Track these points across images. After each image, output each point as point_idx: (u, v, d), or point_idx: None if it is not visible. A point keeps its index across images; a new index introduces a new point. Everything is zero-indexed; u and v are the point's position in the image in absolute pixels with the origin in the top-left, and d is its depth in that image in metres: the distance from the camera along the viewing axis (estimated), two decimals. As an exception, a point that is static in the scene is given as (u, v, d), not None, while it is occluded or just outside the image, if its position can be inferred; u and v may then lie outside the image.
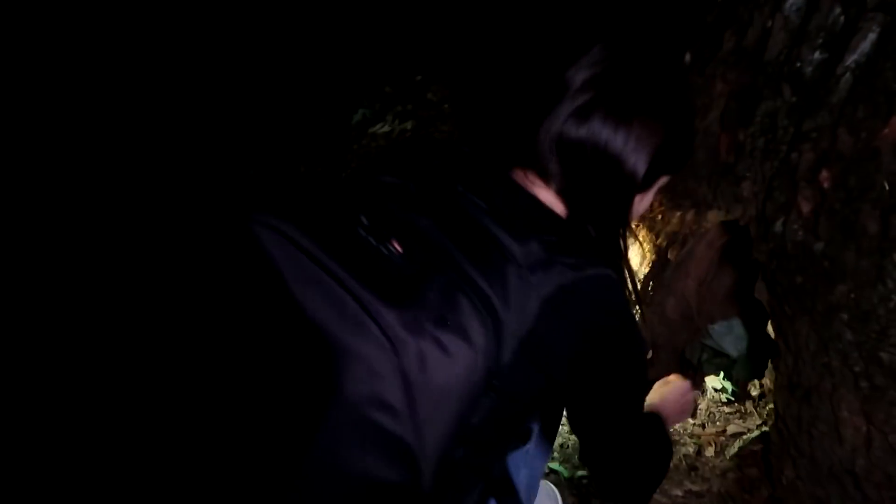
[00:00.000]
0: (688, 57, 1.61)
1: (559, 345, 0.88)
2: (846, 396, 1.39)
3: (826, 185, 1.36)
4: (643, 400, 1.10)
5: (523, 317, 0.84)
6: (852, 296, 1.33)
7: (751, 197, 1.52)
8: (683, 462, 1.86)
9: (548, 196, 0.96)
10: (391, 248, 0.82)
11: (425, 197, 0.90)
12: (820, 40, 1.34)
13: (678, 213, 1.67)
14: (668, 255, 1.73)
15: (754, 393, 1.94)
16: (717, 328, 2.03)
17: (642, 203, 1.03)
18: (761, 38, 1.44)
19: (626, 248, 1.01)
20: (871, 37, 1.26)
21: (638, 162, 0.92)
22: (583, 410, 1.01)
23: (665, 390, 1.34)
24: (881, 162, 1.28)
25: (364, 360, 0.78)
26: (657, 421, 1.18)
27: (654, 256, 1.75)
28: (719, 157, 1.57)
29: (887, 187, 1.27)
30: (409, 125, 3.63)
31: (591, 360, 0.92)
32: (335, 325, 0.79)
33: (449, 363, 0.79)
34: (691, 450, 1.89)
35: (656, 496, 1.75)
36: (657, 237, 1.72)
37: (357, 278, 0.78)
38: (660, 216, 1.69)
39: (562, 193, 0.95)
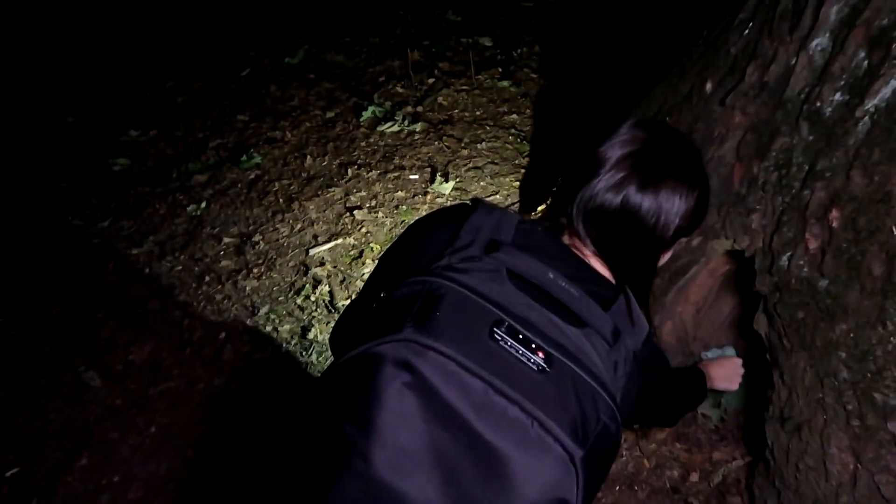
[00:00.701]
0: (709, 86, 1.64)
1: (631, 397, 1.01)
2: (837, 433, 1.41)
3: (835, 224, 1.39)
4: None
5: (619, 381, 0.95)
6: (852, 335, 1.36)
7: (759, 229, 1.55)
8: (667, 484, 1.88)
9: (593, 261, 1.08)
10: (537, 358, 0.88)
11: (525, 287, 0.96)
12: (842, 82, 1.36)
13: (684, 239, 1.69)
14: (670, 279, 1.75)
15: (743, 421, 1.96)
16: (709, 354, 2.05)
17: (664, 259, 1.15)
18: (784, 75, 1.46)
19: (650, 302, 1.13)
20: (893, 83, 1.29)
21: (666, 225, 1.04)
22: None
23: (721, 362, 1.68)
24: (892, 206, 1.31)
25: (547, 474, 0.85)
26: (700, 377, 1.49)
27: (657, 280, 1.77)
28: (731, 187, 1.59)
29: (895, 232, 1.30)
30: (417, 127, 3.64)
31: (647, 396, 1.08)
32: (515, 446, 0.85)
33: (605, 461, 0.91)
34: (676, 473, 1.91)
35: (639, 516, 1.76)
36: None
37: (526, 397, 0.85)
38: (667, 240, 1.71)
39: (604, 258, 1.07)
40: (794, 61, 1.44)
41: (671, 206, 1.02)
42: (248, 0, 5.20)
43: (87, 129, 3.83)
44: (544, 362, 0.87)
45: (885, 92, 1.30)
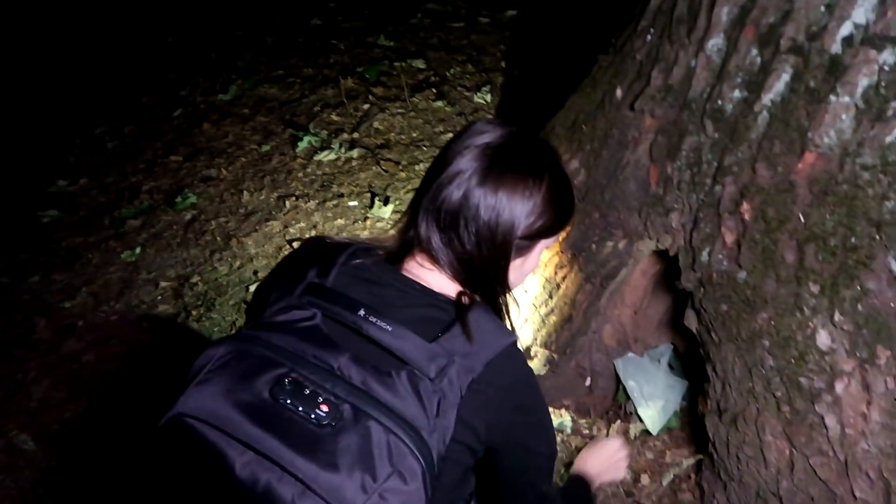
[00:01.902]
0: (619, 92, 1.67)
1: (481, 420, 0.97)
2: (769, 420, 1.43)
3: (747, 216, 1.42)
4: (553, 462, 1.16)
5: (445, 421, 0.91)
6: (773, 323, 1.39)
7: (679, 227, 1.58)
8: (620, 489, 1.88)
9: (439, 279, 1.03)
10: (319, 412, 0.86)
11: (335, 330, 0.95)
12: (739, 79, 1.40)
13: (610, 243, 1.71)
14: (602, 284, 1.77)
15: (690, 419, 1.98)
16: (651, 353, 2.07)
17: (525, 266, 1.08)
18: (686, 76, 1.50)
19: (509, 312, 1.08)
20: (785, 77, 1.34)
21: (510, 224, 0.99)
22: (501, 473, 1.08)
23: (594, 451, 1.48)
24: (797, 195, 1.35)
25: None
26: (580, 486, 1.33)
27: (588, 285, 1.78)
28: (649, 189, 1.62)
29: (802, 219, 1.34)
30: (355, 153, 3.64)
31: (506, 420, 1.01)
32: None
33: None
34: (628, 476, 1.91)
35: (593, 523, 1.76)
36: (591, 267, 1.76)
37: (300, 454, 0.83)
38: (593, 245, 1.73)
39: (450, 268, 1.02)
40: (693, 63, 1.48)
41: (513, 203, 0.97)
42: (175, 39, 5.15)
43: (13, 182, 3.72)
44: (327, 416, 0.85)
45: (779, 86, 1.34)
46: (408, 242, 1.05)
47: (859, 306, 1.28)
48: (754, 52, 1.38)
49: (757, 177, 1.39)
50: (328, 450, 0.84)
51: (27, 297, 2.89)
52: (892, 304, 1.25)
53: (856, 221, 1.28)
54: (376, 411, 0.87)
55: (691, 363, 2.00)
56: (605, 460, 1.46)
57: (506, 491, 1.10)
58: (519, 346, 1.03)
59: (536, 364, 1.94)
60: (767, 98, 1.36)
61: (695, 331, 1.61)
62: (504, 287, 1.07)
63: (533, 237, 1.03)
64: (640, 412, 1.96)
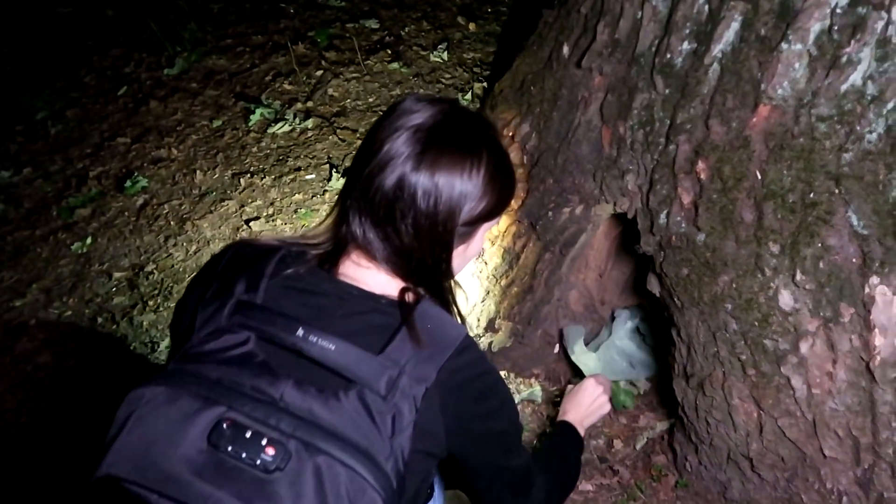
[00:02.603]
0: (566, 49, 1.58)
1: (439, 424, 0.91)
2: (736, 384, 1.40)
3: (703, 176, 1.35)
4: (519, 435, 1.10)
5: (402, 439, 0.85)
6: (734, 286, 1.33)
7: (635, 189, 1.51)
8: (594, 455, 1.85)
9: (378, 278, 0.95)
10: (265, 456, 0.79)
11: (272, 354, 0.87)
12: (687, 30, 1.32)
13: (567, 210, 1.64)
14: (562, 251, 1.71)
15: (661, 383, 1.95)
16: (617, 315, 2.02)
17: (468, 251, 1.01)
18: (633, 30, 1.42)
19: (456, 301, 1.01)
20: (735, 26, 1.25)
21: (451, 208, 0.91)
22: (469, 464, 1.02)
23: (573, 397, 1.38)
24: (753, 151, 1.28)
25: None
26: (567, 432, 1.26)
27: (547, 253, 1.72)
28: (603, 151, 1.55)
29: (759, 176, 1.27)
30: (310, 123, 3.51)
31: (466, 415, 0.95)
32: None
33: None
34: (602, 442, 1.89)
35: (567, 493, 1.73)
36: (550, 234, 1.69)
37: None
38: (549, 213, 1.66)
39: (389, 263, 0.94)
40: (639, 14, 1.39)
41: (452, 186, 0.89)
42: (116, 12, 4.90)
43: (-47, 178, 3.55)
44: (275, 459, 0.78)
45: (729, 35, 1.26)
46: (341, 240, 0.95)
47: (821, 264, 1.23)
48: (701, 0, 1.29)
49: (711, 133, 1.32)
50: (280, 496, 0.77)
51: (-26, 298, 2.78)
52: (853, 261, 1.20)
53: (814, 176, 1.22)
54: (327, 443, 0.80)
55: (659, 325, 1.96)
56: (587, 402, 1.36)
57: (478, 480, 1.05)
58: (469, 334, 0.97)
59: (501, 336, 1.89)
60: (717, 49, 1.28)
61: (658, 295, 1.56)
62: (448, 276, 0.99)
63: (475, 222, 0.95)
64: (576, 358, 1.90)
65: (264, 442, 0.79)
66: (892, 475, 1.28)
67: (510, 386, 1.98)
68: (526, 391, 1.97)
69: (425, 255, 0.94)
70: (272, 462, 0.78)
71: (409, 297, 0.94)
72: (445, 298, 1.00)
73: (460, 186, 0.91)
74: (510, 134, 1.71)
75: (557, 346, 2.02)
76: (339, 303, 0.93)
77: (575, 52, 1.54)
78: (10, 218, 3.20)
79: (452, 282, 1.02)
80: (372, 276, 0.95)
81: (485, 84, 3.55)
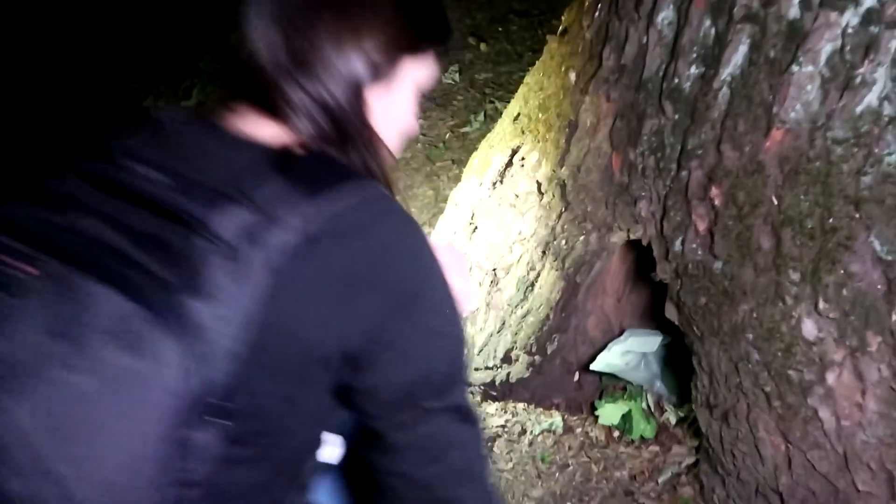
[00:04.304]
0: (572, 76, 1.55)
1: (317, 307, 0.65)
2: (762, 416, 1.35)
3: (717, 202, 1.31)
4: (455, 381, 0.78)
5: (243, 312, 0.62)
6: (755, 314, 1.29)
7: (649, 216, 1.47)
8: (618, 487, 1.80)
9: (270, 130, 0.72)
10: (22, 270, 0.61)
11: (94, 193, 0.67)
12: (694, 54, 1.29)
13: (581, 237, 1.61)
14: (577, 279, 1.67)
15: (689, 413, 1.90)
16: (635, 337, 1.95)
17: (392, 106, 0.78)
18: (639, 54, 1.38)
19: (392, 183, 0.77)
20: (743, 49, 1.22)
21: (355, 26, 0.72)
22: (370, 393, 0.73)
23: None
24: (767, 176, 1.24)
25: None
26: None
27: (562, 283, 1.69)
28: (614, 177, 1.51)
29: (775, 201, 1.23)
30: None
31: (367, 307, 0.68)
32: None
33: (111, 398, 0.59)
34: (625, 474, 1.83)
35: (592, 528, 1.69)
36: (564, 263, 1.66)
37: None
38: (563, 241, 1.63)
39: (285, 117, 0.72)
40: (645, 39, 1.36)
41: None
42: (131, 45, 4.99)
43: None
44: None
45: (737, 58, 1.23)
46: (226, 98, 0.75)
47: (844, 291, 1.18)
48: (707, 23, 1.26)
49: (723, 159, 1.28)
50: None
51: None
52: (878, 287, 1.16)
53: (832, 200, 1.17)
54: (128, 283, 0.60)
55: (681, 353, 1.91)
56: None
57: (382, 421, 0.74)
58: (388, 197, 0.72)
59: (519, 367, 1.85)
60: (726, 72, 1.24)
61: (677, 323, 1.52)
62: (374, 144, 0.75)
63: (390, 51, 0.74)
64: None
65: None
66: (930, 509, 1.22)
67: (529, 417, 1.95)
68: (546, 421, 1.93)
69: (336, 102, 0.72)
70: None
71: (315, 146, 0.72)
72: (375, 174, 0.74)
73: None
74: (520, 162, 1.69)
75: (577, 373, 1.98)
76: (205, 146, 0.71)
77: (581, 78, 1.51)
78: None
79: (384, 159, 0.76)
80: (264, 129, 0.72)
81: (496, 105, 3.54)
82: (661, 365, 1.96)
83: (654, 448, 1.87)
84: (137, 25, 5.12)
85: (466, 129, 3.43)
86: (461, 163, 3.17)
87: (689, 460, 1.78)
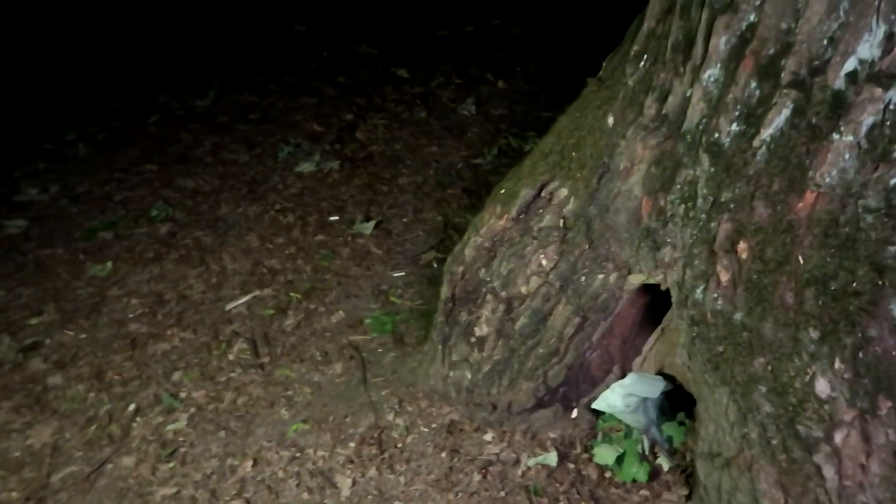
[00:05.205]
0: (610, 119, 1.61)
1: None
2: (765, 468, 1.38)
3: (744, 255, 1.36)
4: None
5: None
6: (770, 368, 1.33)
7: (671, 262, 1.52)
8: (607, 527, 1.82)
9: None
10: None
11: None
12: (737, 113, 1.35)
13: (601, 276, 1.65)
14: (592, 316, 1.70)
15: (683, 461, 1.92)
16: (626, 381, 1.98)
17: None
18: (681, 107, 1.44)
19: None
20: (785, 112, 1.28)
21: None
22: None
23: None
24: (797, 235, 1.29)
25: None
26: None
27: (576, 318, 1.72)
28: (641, 221, 1.56)
29: (802, 260, 1.28)
30: (335, 165, 3.56)
31: None
32: None
33: None
34: (615, 514, 1.85)
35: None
36: (580, 299, 1.69)
37: None
38: (582, 278, 1.67)
39: None
40: (689, 93, 1.42)
41: None
42: (152, 42, 5.02)
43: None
44: None
45: (779, 121, 1.29)
46: None
47: (860, 354, 1.23)
48: (753, 84, 1.32)
49: (755, 215, 1.33)
50: None
51: (-9, 313, 2.77)
52: (894, 353, 1.20)
53: (858, 266, 1.22)
54: None
55: (680, 397, 1.94)
56: None
57: None
58: None
59: (522, 397, 1.87)
60: (767, 133, 1.30)
61: (687, 369, 1.55)
62: None
63: None
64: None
65: None
66: (922, 577, 1.25)
67: (524, 448, 1.96)
68: (541, 454, 1.94)
69: None
70: None
71: None
72: None
73: None
74: (548, 197, 1.73)
75: (575, 410, 2.00)
76: None
77: (620, 122, 1.57)
78: (33, 236, 3.22)
79: None
80: None
81: (510, 140, 3.61)
82: (658, 413, 1.99)
83: (645, 493, 1.89)
84: (157, 25, 5.15)
85: (479, 160, 3.49)
86: (471, 193, 3.23)
87: (680, 506, 1.81)
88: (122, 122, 4.12)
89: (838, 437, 1.27)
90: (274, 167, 3.60)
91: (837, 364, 1.25)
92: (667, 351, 1.90)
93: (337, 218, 3.16)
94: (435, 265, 2.79)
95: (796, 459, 1.32)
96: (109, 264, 2.97)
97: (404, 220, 3.11)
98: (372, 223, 3.05)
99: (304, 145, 3.74)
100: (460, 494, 1.86)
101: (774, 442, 1.34)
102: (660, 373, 1.98)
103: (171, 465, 2.08)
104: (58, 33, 5.07)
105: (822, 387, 1.27)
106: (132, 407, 2.30)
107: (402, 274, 2.79)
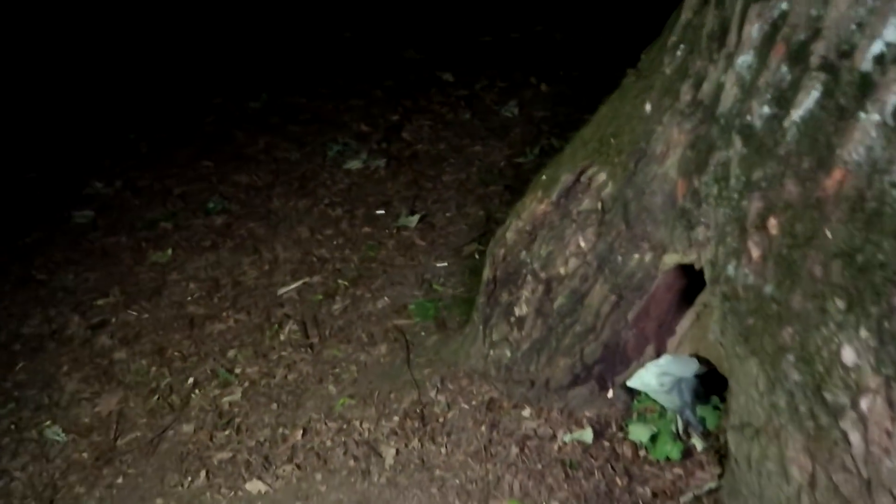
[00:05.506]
0: (648, 106, 1.69)
1: None
2: (793, 435, 1.44)
3: (774, 231, 1.43)
4: None
5: None
6: (798, 337, 1.39)
7: (705, 241, 1.59)
8: (641, 502, 1.88)
9: None
10: None
11: None
12: (768, 96, 1.42)
13: (637, 255, 1.73)
14: (628, 295, 1.78)
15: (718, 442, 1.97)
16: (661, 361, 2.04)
17: None
18: (715, 92, 1.52)
19: None
20: (815, 94, 1.35)
21: None
22: None
23: None
24: (824, 211, 1.36)
25: None
26: None
27: (612, 296, 1.80)
28: (676, 202, 1.64)
29: (830, 235, 1.35)
30: (382, 163, 3.69)
31: None
32: None
33: None
34: (648, 492, 1.91)
35: (612, 534, 1.76)
36: (617, 278, 1.78)
37: None
38: (619, 258, 1.75)
39: None
40: (723, 79, 1.50)
41: None
42: (207, 50, 5.27)
43: (50, 185, 3.83)
44: None
45: (808, 102, 1.36)
46: None
47: (886, 323, 1.28)
48: (784, 69, 1.40)
49: (785, 192, 1.40)
50: None
51: (62, 294, 2.97)
52: (918, 322, 1.26)
53: (884, 238, 1.28)
54: None
55: (713, 381, 2.00)
56: None
57: None
58: None
59: (559, 374, 1.96)
60: (797, 114, 1.38)
61: (719, 345, 1.62)
62: None
63: None
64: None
65: None
66: (946, 540, 1.29)
67: (561, 425, 2.04)
68: (577, 431, 2.02)
69: None
70: None
71: None
72: None
73: None
74: (587, 181, 1.82)
75: (611, 391, 2.07)
76: None
77: (657, 109, 1.65)
78: (99, 225, 3.43)
79: None
80: None
81: (552, 141, 3.69)
82: (693, 396, 2.05)
83: (678, 471, 1.95)
84: (213, 33, 5.39)
85: (521, 159, 3.59)
86: (513, 190, 3.32)
87: (712, 485, 1.86)
88: (180, 122, 4.35)
89: (864, 404, 1.32)
90: (323, 164, 3.75)
91: (863, 333, 1.30)
92: (701, 335, 1.96)
93: (383, 212, 3.29)
94: (477, 256, 2.89)
95: (823, 426, 1.38)
96: (169, 251, 3.15)
97: (447, 214, 3.22)
98: (416, 217, 3.17)
99: (352, 144, 3.89)
100: (499, 465, 1.95)
101: (802, 409, 1.40)
102: (693, 357, 2.05)
103: (227, 432, 2.22)
104: (117, 39, 5.35)
105: (848, 355, 1.33)
106: (191, 380, 2.45)
107: (445, 264, 2.89)
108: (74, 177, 3.86)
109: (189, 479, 2.08)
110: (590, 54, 4.61)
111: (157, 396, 2.41)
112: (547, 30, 5.09)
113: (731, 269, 1.52)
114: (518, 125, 3.91)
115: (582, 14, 5.23)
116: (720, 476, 1.88)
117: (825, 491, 1.42)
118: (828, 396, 1.37)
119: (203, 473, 2.09)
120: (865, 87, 1.29)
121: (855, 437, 1.35)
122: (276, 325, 2.65)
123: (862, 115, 1.29)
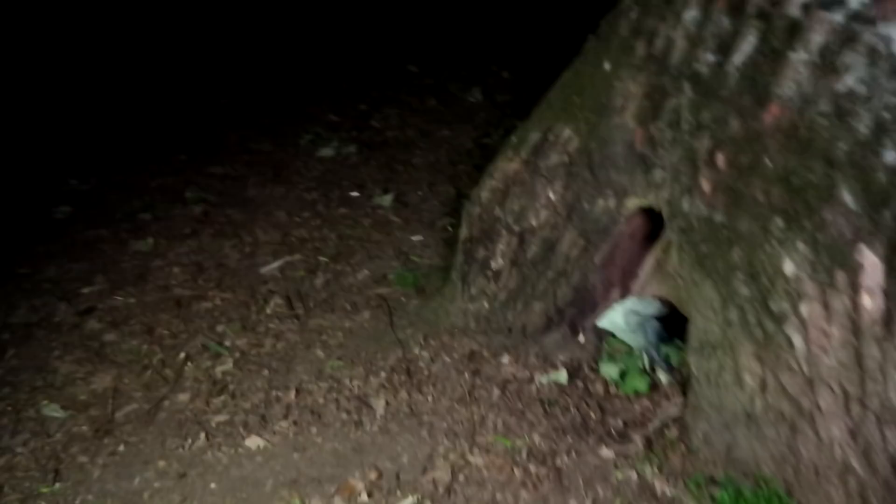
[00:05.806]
0: (607, 65, 1.87)
1: None
2: (744, 345, 1.62)
3: (722, 165, 1.61)
4: None
5: None
6: (746, 256, 1.57)
7: (662, 182, 1.77)
8: (613, 430, 2.04)
9: None
10: None
11: None
12: (712, 44, 1.61)
13: (601, 202, 1.90)
14: (595, 240, 1.95)
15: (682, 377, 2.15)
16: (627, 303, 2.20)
17: None
18: (666, 46, 1.70)
19: None
20: (752, 39, 1.54)
21: None
22: None
23: None
24: (764, 143, 1.54)
25: None
26: None
27: (582, 242, 1.97)
28: (635, 150, 1.81)
29: (769, 163, 1.53)
30: (353, 149, 3.82)
31: None
32: None
33: None
34: (620, 421, 2.07)
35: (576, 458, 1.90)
36: (584, 224, 1.94)
37: None
38: (585, 205, 1.92)
39: None
40: (673, 33, 1.68)
41: None
42: (180, 49, 5.31)
43: (26, 183, 3.85)
44: None
45: (746, 47, 1.55)
46: None
47: (818, 235, 1.47)
48: (725, 20, 1.58)
49: (729, 129, 1.58)
50: None
51: (47, 284, 3.02)
52: (845, 233, 1.44)
53: (815, 162, 1.47)
54: None
55: (675, 326, 2.17)
56: None
57: None
58: None
59: (535, 318, 2.11)
60: (737, 59, 1.56)
61: (677, 275, 1.79)
62: None
63: None
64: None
65: None
66: (877, 425, 1.48)
67: (537, 368, 2.19)
68: (553, 373, 2.18)
69: None
70: None
71: None
72: None
73: None
74: (554, 139, 1.99)
75: (581, 335, 2.24)
76: None
77: (615, 66, 1.83)
78: (79, 219, 3.48)
79: None
80: None
81: (515, 122, 3.86)
82: (657, 337, 2.23)
83: (646, 402, 2.12)
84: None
85: (487, 140, 3.75)
86: (481, 168, 3.47)
87: (676, 412, 2.04)
88: (150, 115, 4.40)
89: (804, 309, 1.50)
90: (296, 154, 3.87)
91: (800, 246, 1.49)
92: (661, 278, 2.14)
93: (357, 194, 3.42)
94: (450, 229, 3.04)
95: (770, 333, 1.56)
96: (150, 240, 3.23)
97: (420, 193, 3.36)
98: (390, 196, 3.31)
99: (323, 133, 4.02)
100: (483, 407, 2.09)
101: (751, 320, 1.58)
102: (656, 299, 2.23)
103: (222, 398, 2.32)
104: (86, 43, 5.35)
105: (788, 267, 1.51)
106: (182, 355, 2.54)
107: (421, 238, 3.04)
108: (51, 175, 3.89)
109: (189, 441, 2.18)
110: (548, 42, 4.81)
111: (150, 371, 2.49)
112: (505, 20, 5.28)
113: (685, 205, 1.70)
114: (483, 109, 4.08)
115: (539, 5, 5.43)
116: (684, 405, 2.06)
117: (774, 392, 1.60)
118: (773, 306, 1.55)
119: (202, 435, 2.19)
120: (794, 30, 1.47)
121: (797, 340, 1.53)
122: (262, 301, 2.75)
123: (792, 54, 1.47)
